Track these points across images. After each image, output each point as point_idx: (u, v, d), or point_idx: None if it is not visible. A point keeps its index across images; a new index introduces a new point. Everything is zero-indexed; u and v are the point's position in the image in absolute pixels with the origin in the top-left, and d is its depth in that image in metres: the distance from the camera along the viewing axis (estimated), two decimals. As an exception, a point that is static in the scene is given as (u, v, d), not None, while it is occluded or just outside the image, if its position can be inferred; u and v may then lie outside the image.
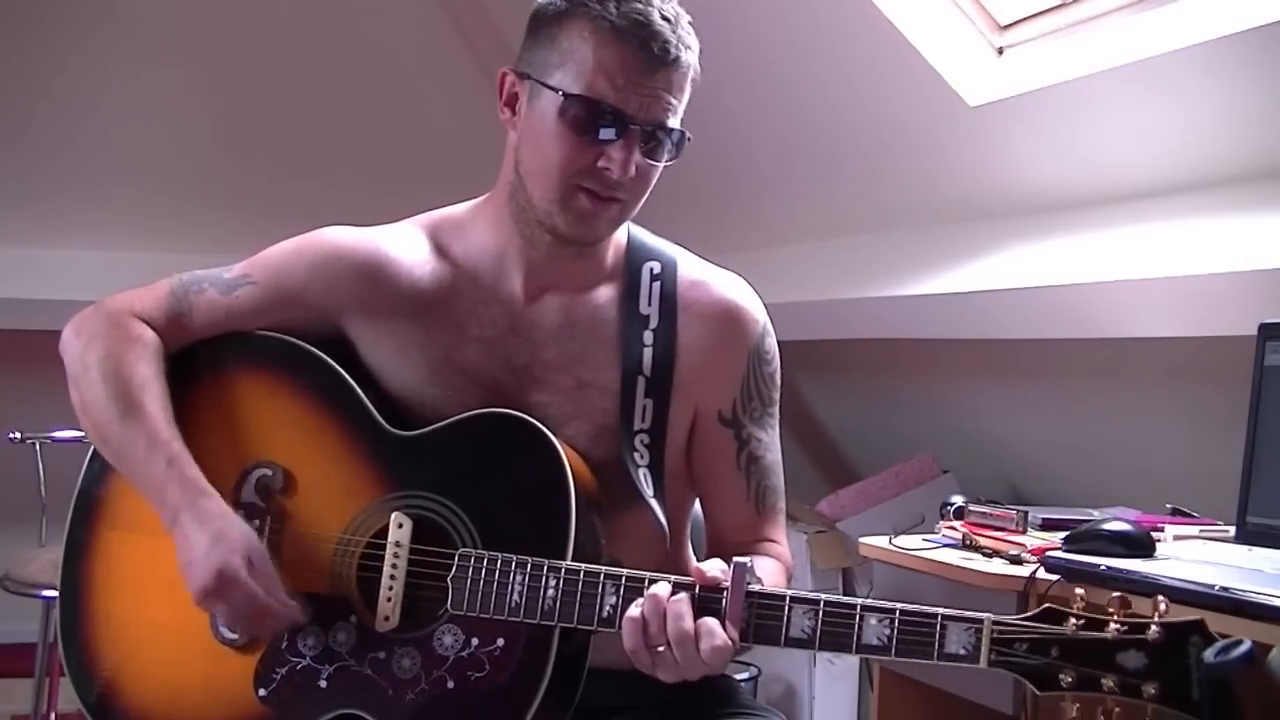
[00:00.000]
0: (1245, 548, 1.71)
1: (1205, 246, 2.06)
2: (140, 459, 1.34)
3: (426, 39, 3.98)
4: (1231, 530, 1.79)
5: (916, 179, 2.75)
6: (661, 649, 1.18)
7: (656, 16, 1.29)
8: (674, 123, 1.33)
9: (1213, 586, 1.45)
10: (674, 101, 1.32)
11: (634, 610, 1.19)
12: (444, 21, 3.99)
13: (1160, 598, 1.07)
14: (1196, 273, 2.04)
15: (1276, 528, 1.70)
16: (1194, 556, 1.68)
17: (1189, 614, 1.41)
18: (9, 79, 3.61)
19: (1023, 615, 1.10)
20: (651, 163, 1.33)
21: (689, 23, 1.33)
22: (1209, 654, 1.01)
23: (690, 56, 1.32)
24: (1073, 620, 1.08)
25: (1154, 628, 1.05)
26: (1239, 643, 1.01)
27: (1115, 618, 1.07)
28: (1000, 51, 2.49)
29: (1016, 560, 1.80)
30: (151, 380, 1.37)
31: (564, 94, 1.29)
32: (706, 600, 1.19)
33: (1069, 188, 2.39)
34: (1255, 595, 1.40)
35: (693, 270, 1.46)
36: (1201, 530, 1.91)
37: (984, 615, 1.11)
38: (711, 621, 1.17)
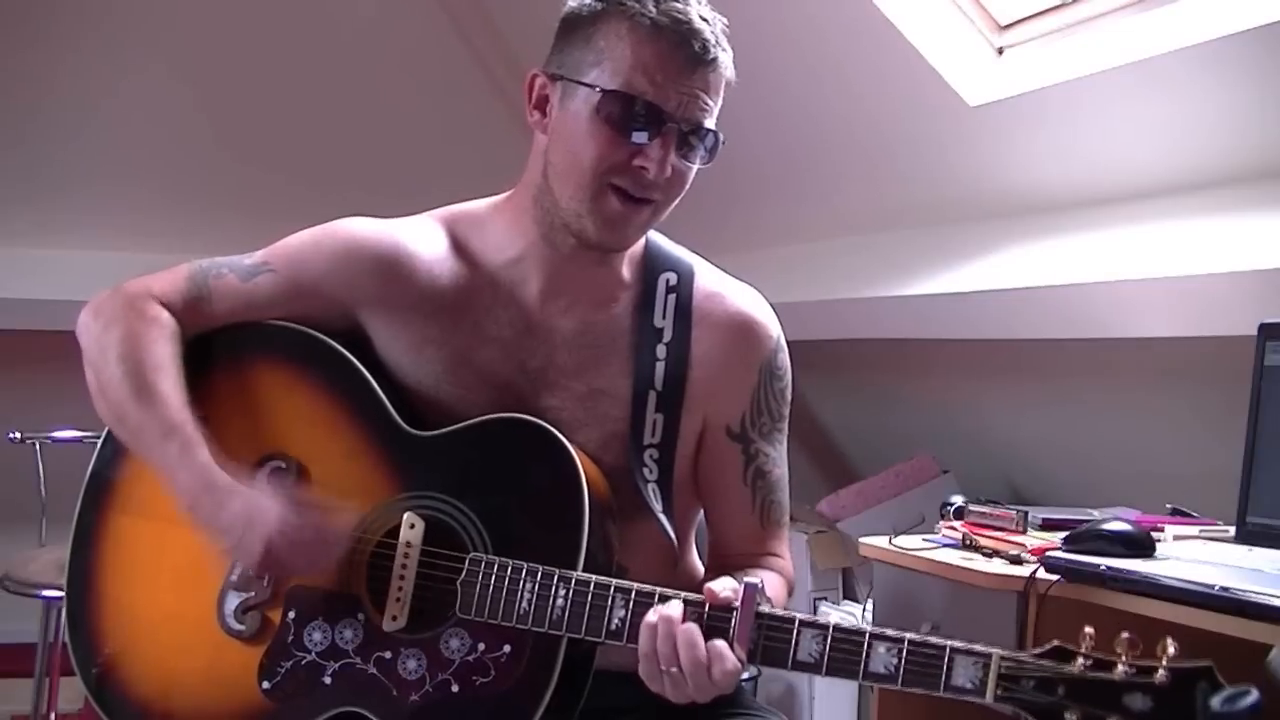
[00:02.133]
0: (1245, 548, 1.71)
1: (1205, 246, 2.06)
2: (154, 443, 1.33)
3: (424, 39, 3.97)
4: (1231, 530, 1.79)
5: (916, 179, 2.75)
6: (674, 669, 1.18)
7: (696, 16, 1.28)
8: (710, 124, 1.32)
9: (1213, 586, 1.45)
10: (710, 103, 1.31)
11: (651, 617, 1.19)
12: (442, 21, 3.99)
13: (1169, 639, 1.06)
14: (1196, 273, 2.04)
15: (1276, 528, 1.70)
16: (1194, 556, 1.68)
17: (1189, 615, 1.43)
18: (9, 80, 3.61)
19: (1031, 652, 1.10)
20: (687, 164, 1.32)
21: (724, 25, 1.32)
22: (1216, 701, 1.01)
23: (727, 59, 1.31)
24: (1081, 659, 1.08)
25: (1162, 671, 1.05)
26: (1246, 692, 1.01)
27: (1123, 659, 1.07)
28: (1000, 51, 2.49)
29: (1016, 560, 1.80)
30: (168, 362, 1.36)
31: (601, 90, 1.28)
32: (715, 620, 1.19)
33: (1069, 188, 2.39)
34: (1255, 595, 1.40)
35: (709, 282, 1.46)
36: (1201, 530, 1.91)
37: (993, 650, 1.11)
38: (721, 645, 1.17)
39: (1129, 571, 1.56)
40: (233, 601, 1.36)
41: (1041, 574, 1.69)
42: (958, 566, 1.85)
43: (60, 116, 3.68)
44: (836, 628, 1.17)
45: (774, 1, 2.64)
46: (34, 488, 3.01)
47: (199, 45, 3.75)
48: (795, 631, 1.17)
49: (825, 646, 1.16)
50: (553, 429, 1.30)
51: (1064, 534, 1.79)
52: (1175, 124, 2.12)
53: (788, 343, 1.49)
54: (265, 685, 1.33)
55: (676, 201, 1.36)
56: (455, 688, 1.26)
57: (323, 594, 1.33)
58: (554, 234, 1.37)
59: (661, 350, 1.40)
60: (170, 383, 1.35)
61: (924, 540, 2.02)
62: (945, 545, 1.97)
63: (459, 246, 1.42)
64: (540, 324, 1.40)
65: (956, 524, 2.01)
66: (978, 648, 1.11)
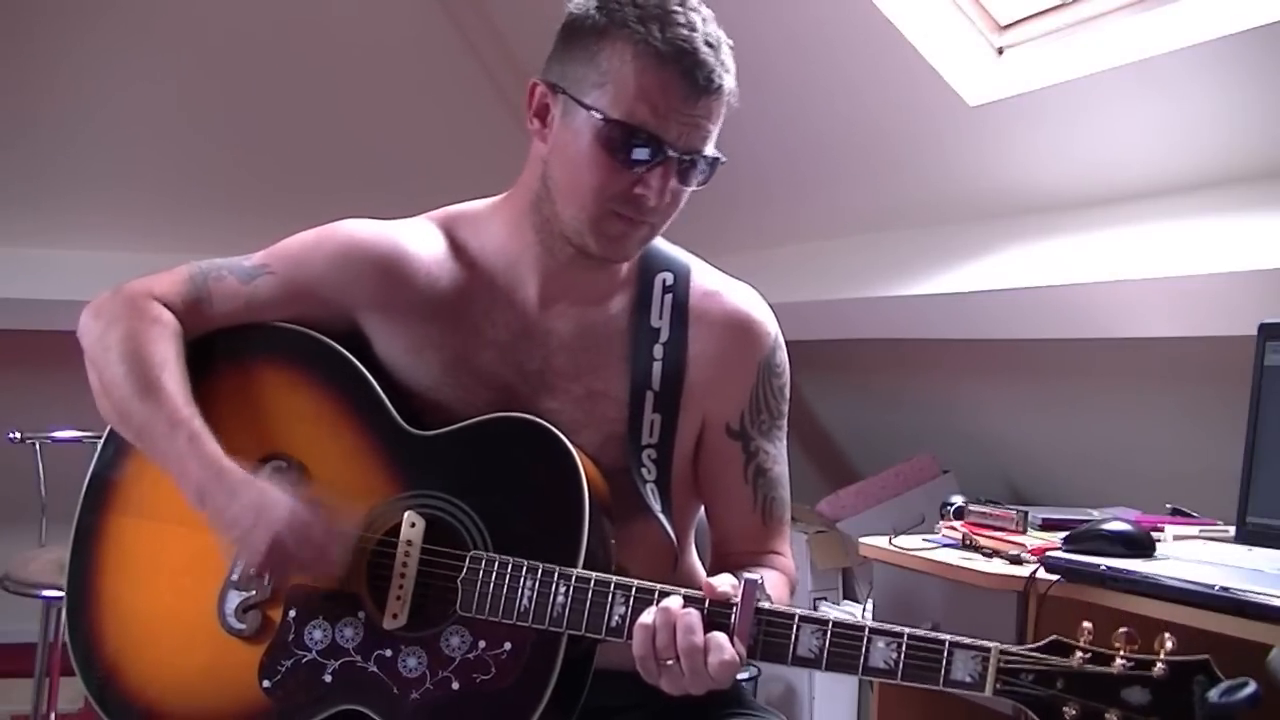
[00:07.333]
0: (1245, 548, 1.71)
1: (1205, 246, 2.07)
2: (161, 436, 1.33)
3: (425, 38, 3.98)
4: (1231, 530, 1.79)
5: (917, 179, 2.75)
6: (670, 661, 1.18)
7: (701, 43, 1.27)
8: (709, 150, 1.32)
9: (1213, 586, 1.45)
10: (711, 129, 1.31)
11: (645, 618, 1.19)
12: (442, 20, 3.99)
13: (1167, 634, 1.07)
14: (1196, 273, 2.05)
15: (1276, 528, 1.70)
16: (1194, 556, 1.68)
17: (1189, 615, 1.43)
18: (10, 80, 3.61)
19: (1030, 646, 1.11)
20: (683, 187, 1.32)
21: (729, 46, 1.31)
22: (1213, 694, 1.02)
23: (730, 82, 1.30)
24: (1079, 653, 1.08)
25: (1160, 665, 1.05)
26: (1244, 684, 1.01)
27: (1121, 652, 1.07)
28: (1000, 51, 2.49)
29: (1016, 560, 1.80)
30: (171, 360, 1.36)
31: (604, 118, 1.27)
32: (715, 615, 1.19)
33: (1069, 188, 2.39)
34: (1255, 595, 1.40)
35: (706, 280, 1.45)
36: (1201, 530, 1.92)
37: (991, 644, 1.11)
38: (720, 636, 1.17)
39: (1129, 571, 1.57)
40: (233, 600, 1.36)
41: (1041, 574, 1.69)
42: (958, 566, 1.85)
43: (61, 118, 3.69)
44: (836, 623, 1.17)
45: (774, 2, 2.64)
46: (34, 488, 3.01)
47: (200, 48, 3.76)
48: (795, 627, 1.17)
49: (825, 642, 1.16)
50: (552, 427, 1.30)
51: (1064, 534, 1.79)
52: (1175, 124, 2.12)
53: (788, 342, 1.49)
54: (266, 684, 1.32)
55: (672, 219, 1.36)
56: (456, 685, 1.26)
57: (323, 592, 1.33)
58: (552, 241, 1.37)
59: (658, 350, 1.40)
60: (174, 379, 1.35)
61: (924, 540, 2.02)
62: (945, 545, 1.97)
63: (457, 248, 1.42)
64: (537, 327, 1.40)
65: (956, 524, 2.01)
66: (977, 641, 1.12)
